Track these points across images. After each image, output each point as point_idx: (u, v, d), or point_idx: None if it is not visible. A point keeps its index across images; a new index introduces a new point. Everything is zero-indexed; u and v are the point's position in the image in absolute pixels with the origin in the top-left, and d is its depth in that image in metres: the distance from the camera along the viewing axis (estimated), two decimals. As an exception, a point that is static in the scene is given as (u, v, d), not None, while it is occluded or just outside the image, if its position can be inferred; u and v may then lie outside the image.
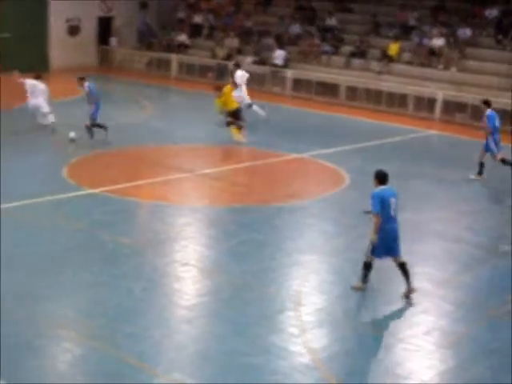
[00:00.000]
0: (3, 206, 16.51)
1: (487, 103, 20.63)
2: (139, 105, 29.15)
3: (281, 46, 34.78)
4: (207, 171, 20.41)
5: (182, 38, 38.75)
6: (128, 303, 12.25)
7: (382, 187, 12.69)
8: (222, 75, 34.46)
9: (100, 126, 22.95)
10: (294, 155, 22.25)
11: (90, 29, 39.10)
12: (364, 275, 12.95)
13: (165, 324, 11.71)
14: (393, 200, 12.63)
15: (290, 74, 33.43)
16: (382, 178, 12.74)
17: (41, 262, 13.73)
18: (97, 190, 17.94)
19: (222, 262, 14.33)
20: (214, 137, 24.27)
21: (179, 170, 20.35)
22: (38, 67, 33.44)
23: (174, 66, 37.10)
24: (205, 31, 39.49)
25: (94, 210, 16.69)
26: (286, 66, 34.12)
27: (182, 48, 38.29)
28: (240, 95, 25.82)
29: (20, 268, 13.39)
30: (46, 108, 23.75)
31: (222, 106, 23.74)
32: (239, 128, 23.65)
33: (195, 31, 39.54)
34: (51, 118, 23.69)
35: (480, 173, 20.48)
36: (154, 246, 14.85)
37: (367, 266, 12.90)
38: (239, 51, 36.54)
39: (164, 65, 37.51)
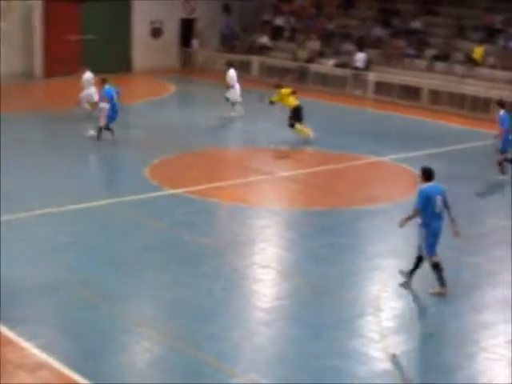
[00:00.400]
0: (88, 204, 16.81)
1: (501, 104, 20.45)
2: (220, 107, 29.26)
3: (362, 49, 34.56)
4: (287, 174, 20.41)
5: (264, 40, 38.83)
6: (208, 304, 12.32)
7: (429, 184, 12.78)
8: (302, 77, 34.40)
9: (108, 129, 22.91)
10: (374, 158, 22.08)
11: (172, 31, 39.43)
12: (440, 278, 12.81)
13: (243, 325, 11.75)
14: (438, 197, 12.70)
15: (371, 76, 33.18)
16: (428, 174, 12.86)
17: (123, 261, 13.94)
18: (178, 191, 18.09)
19: (301, 264, 14.31)
20: (293, 139, 24.23)
21: (259, 172, 20.39)
22: (121, 69, 34.04)
23: (255, 68, 37.19)
24: (286, 33, 39.47)
25: (175, 211, 16.84)
26: (367, 68, 33.88)
27: (263, 50, 38.37)
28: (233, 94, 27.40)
29: (104, 266, 13.63)
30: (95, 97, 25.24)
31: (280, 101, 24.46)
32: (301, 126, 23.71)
33: (277, 33, 39.56)
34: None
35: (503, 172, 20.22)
36: (233, 248, 14.92)
37: (437, 267, 12.80)
38: (320, 54, 36.44)
39: (245, 67, 37.60)
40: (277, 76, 35.15)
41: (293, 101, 24.19)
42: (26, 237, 14.91)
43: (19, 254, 14.00)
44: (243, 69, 37.50)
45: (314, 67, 35.13)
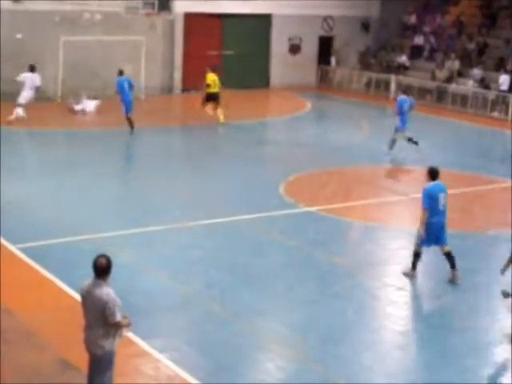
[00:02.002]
0: (222, 219, 16.99)
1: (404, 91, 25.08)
2: (357, 125, 29.14)
3: (505, 70, 33.69)
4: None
5: (402, 59, 38.47)
6: (339, 324, 12.22)
7: (433, 183, 13.84)
8: (441, 98, 33.86)
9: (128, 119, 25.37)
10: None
11: (310, 48, 39.52)
12: (413, 263, 14.09)
13: (376, 348, 11.59)
14: (442, 195, 13.79)
15: (514, 99, 32.32)
16: (433, 174, 13.96)
17: (256, 277, 13.99)
18: (313, 209, 18.05)
19: (437, 288, 14.02)
20: (429, 160, 23.78)
21: (393, 192, 20.17)
22: (259, 84, 34.36)
23: (393, 87, 36.85)
24: (425, 53, 39.02)
25: (309, 228, 16.81)
26: (510, 90, 32.99)
27: (401, 69, 38.01)
28: None
29: (237, 281, 13.71)
30: None
31: None
32: None
33: (415, 52, 39.15)
34: None
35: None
36: (367, 268, 14.76)
37: (416, 255, 14.07)
38: (460, 74, 35.79)
39: (382, 85, 37.35)
40: (415, 96, 34.75)
41: (213, 88, 27.34)
42: (161, 249, 15.18)
43: (154, 266, 14.26)
44: (381, 88, 37.30)
45: (453, 87, 34.53)
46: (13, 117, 25.63)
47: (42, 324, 11.63)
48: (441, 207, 13.76)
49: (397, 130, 24.20)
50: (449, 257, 14.01)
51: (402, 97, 24.68)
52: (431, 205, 13.63)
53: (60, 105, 30.48)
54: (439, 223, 13.87)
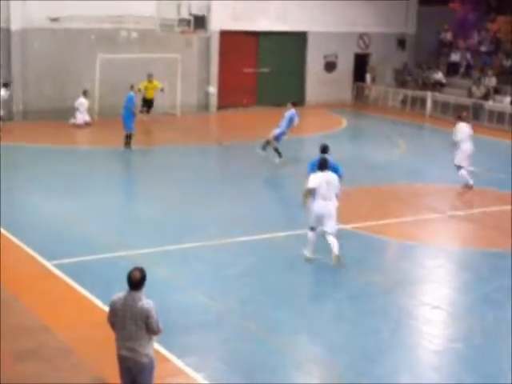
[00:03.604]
0: (257, 236, 16.98)
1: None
2: (393, 142, 29.03)
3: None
4: (459, 213, 19.92)
5: (439, 76, 38.32)
6: (374, 343, 12.09)
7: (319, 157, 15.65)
8: (477, 115, 33.65)
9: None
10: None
11: (346, 65, 39.54)
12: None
13: (412, 369, 11.44)
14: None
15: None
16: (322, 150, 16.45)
17: (291, 295, 13.92)
18: (347, 226, 17.96)
19: (475, 307, 13.85)
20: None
21: (430, 209, 20.01)
22: (294, 101, 34.26)
23: (429, 104, 36.69)
24: (462, 70, 38.83)
25: (343, 246, 16.66)
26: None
27: (437, 86, 37.85)
28: None
29: (272, 299, 13.64)
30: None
31: None
32: None
33: (452, 69, 38.99)
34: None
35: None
36: (402, 286, 14.63)
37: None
38: (496, 91, 35.55)
39: (418, 103, 37.21)
40: (451, 113, 34.57)
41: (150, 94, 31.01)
42: (197, 266, 15.18)
43: (190, 283, 14.27)
44: (416, 105, 37.16)
45: (490, 104, 34.29)
46: None
47: (79, 341, 11.65)
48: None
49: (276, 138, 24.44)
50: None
51: (292, 110, 24.61)
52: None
53: (97, 122, 30.74)
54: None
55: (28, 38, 30.69)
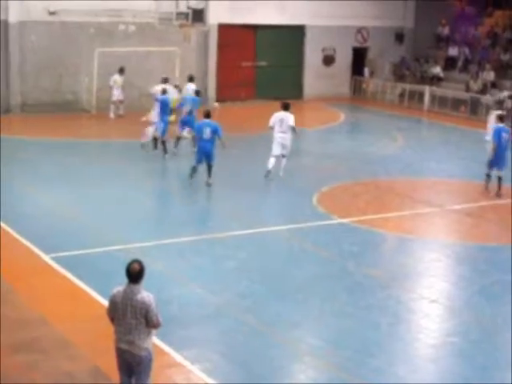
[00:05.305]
0: (256, 230, 16.98)
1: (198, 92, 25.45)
2: (390, 136, 29.02)
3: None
4: (457, 207, 19.92)
5: (436, 70, 38.30)
6: (373, 336, 12.12)
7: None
8: (475, 109, 33.65)
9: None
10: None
11: (344, 59, 39.49)
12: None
13: (410, 361, 11.48)
14: (208, 129, 19.88)
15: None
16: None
17: (289, 288, 13.91)
18: (345, 220, 17.98)
19: (472, 301, 13.86)
20: (464, 172, 23.70)
21: (428, 204, 20.02)
22: (291, 95, 34.23)
23: (427, 98, 36.67)
24: (459, 64, 38.82)
25: (342, 240, 16.74)
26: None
27: (435, 80, 37.84)
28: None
29: (270, 293, 13.66)
30: None
31: None
32: None
33: (450, 64, 38.97)
34: None
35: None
36: (400, 280, 14.66)
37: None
38: (494, 85, 35.52)
39: (416, 97, 37.18)
40: (448, 107, 34.60)
41: None
42: (195, 260, 15.18)
43: (188, 276, 14.27)
44: (414, 99, 37.14)
45: (487, 99, 34.27)
46: None
47: (76, 333, 11.66)
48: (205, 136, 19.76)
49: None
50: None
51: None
52: (199, 134, 20.05)
53: (95, 115, 30.72)
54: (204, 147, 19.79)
55: (26, 30, 30.62)
